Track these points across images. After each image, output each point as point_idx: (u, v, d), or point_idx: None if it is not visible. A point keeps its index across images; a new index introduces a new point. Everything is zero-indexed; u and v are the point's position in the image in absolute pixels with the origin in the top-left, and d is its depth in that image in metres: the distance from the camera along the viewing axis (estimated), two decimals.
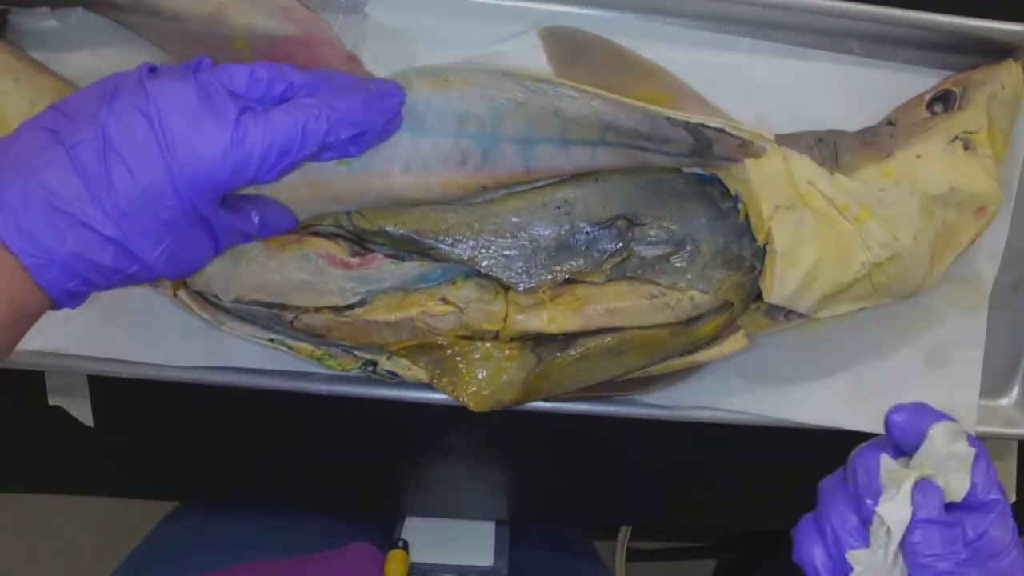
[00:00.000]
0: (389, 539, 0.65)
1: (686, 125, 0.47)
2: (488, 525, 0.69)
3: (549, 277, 0.49)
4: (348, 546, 0.62)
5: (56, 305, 0.40)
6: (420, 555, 0.64)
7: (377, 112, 0.44)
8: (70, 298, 0.40)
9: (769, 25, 0.52)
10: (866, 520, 0.39)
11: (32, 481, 0.65)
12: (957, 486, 0.39)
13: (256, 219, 0.45)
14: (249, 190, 0.45)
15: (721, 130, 0.47)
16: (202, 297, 0.50)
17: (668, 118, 0.47)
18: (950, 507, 0.39)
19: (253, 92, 0.42)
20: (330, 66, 0.46)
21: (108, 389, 0.59)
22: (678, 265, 0.50)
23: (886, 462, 0.40)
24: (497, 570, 0.65)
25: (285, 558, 0.62)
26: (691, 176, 0.50)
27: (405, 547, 0.63)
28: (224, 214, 0.42)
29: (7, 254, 0.37)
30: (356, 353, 0.52)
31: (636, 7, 0.51)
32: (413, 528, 0.67)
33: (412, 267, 0.49)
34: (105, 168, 0.38)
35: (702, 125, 0.47)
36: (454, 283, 0.50)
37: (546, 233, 0.49)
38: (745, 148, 0.48)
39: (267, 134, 0.40)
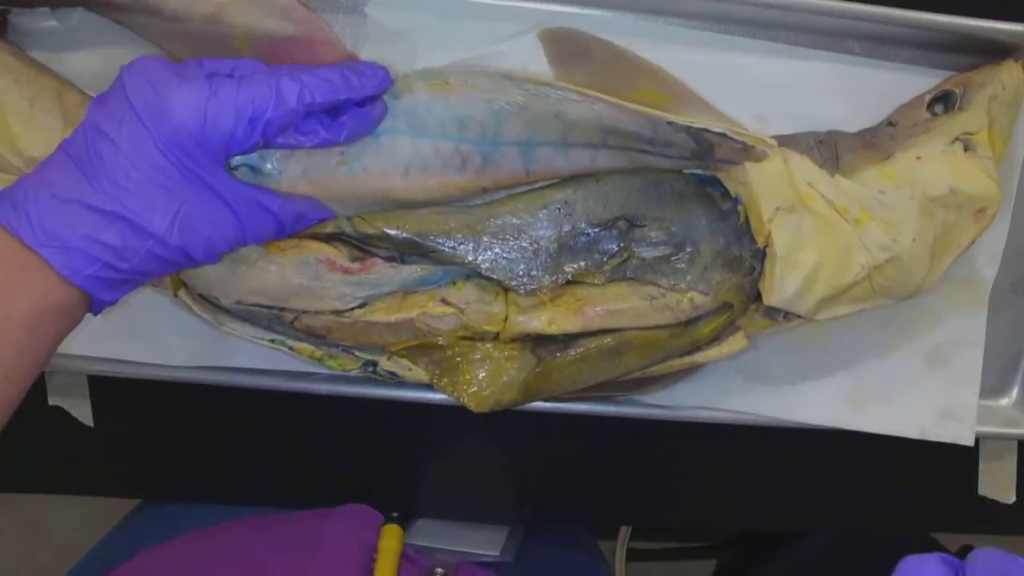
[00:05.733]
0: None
1: (688, 129, 0.47)
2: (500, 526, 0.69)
3: (550, 279, 0.49)
4: (342, 506, 0.61)
5: (94, 300, 0.41)
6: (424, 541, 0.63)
7: (355, 84, 0.43)
8: (101, 287, 0.41)
9: (769, 25, 0.52)
10: None
11: (32, 481, 0.65)
12: None
13: (277, 203, 0.44)
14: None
15: (723, 134, 0.47)
16: (203, 298, 0.50)
17: (670, 122, 0.46)
18: None
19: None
20: None
21: (108, 389, 0.59)
22: (678, 266, 0.50)
23: None
24: (503, 560, 0.65)
25: (274, 515, 0.62)
26: (691, 177, 0.50)
27: (400, 522, 0.62)
28: (234, 181, 0.43)
29: (26, 250, 0.39)
30: (356, 353, 0.52)
31: (636, 7, 0.51)
32: (423, 527, 0.66)
33: (411, 271, 0.49)
34: (94, 149, 0.40)
35: (704, 130, 0.47)
36: (454, 284, 0.50)
37: (547, 235, 0.49)
38: (747, 152, 0.48)
39: (240, 91, 0.40)
